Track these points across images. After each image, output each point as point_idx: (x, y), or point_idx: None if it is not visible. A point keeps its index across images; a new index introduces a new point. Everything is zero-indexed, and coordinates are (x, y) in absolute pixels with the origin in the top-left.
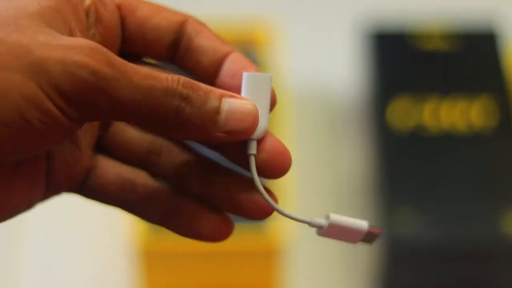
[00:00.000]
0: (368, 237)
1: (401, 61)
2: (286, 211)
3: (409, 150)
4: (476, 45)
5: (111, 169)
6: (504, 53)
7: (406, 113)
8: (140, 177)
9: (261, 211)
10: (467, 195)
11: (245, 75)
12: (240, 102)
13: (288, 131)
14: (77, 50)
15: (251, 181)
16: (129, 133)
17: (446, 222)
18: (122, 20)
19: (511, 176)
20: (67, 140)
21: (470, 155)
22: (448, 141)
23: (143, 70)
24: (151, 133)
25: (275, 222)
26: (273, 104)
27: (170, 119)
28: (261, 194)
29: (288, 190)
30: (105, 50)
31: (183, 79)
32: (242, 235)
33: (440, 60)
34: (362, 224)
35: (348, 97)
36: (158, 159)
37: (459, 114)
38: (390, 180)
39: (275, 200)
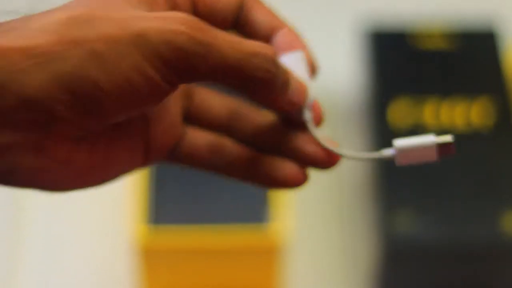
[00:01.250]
0: (444, 149)
1: (401, 60)
2: (352, 153)
3: None
4: (476, 45)
5: (199, 136)
6: (504, 53)
7: (406, 114)
8: (225, 141)
9: (330, 160)
10: (467, 195)
11: (282, 59)
12: (297, 79)
13: None
14: (172, 20)
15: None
16: (210, 102)
17: (445, 222)
18: (195, 4)
19: (511, 176)
20: (163, 107)
21: (470, 154)
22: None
23: (232, 36)
24: (236, 92)
25: (275, 220)
26: (314, 70)
27: (257, 81)
28: (325, 146)
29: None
30: (196, 18)
31: (267, 47)
32: (242, 233)
33: (440, 60)
34: (429, 139)
35: (348, 96)
36: (237, 123)
37: (459, 115)
38: (390, 179)
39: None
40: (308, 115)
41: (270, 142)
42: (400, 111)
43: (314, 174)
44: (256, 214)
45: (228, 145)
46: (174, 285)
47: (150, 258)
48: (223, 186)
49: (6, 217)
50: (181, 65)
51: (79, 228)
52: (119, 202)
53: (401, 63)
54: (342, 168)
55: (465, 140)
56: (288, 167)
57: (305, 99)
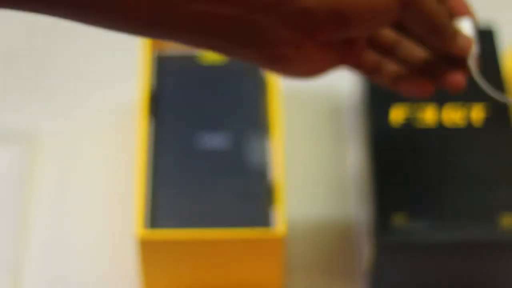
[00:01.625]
0: None
1: None
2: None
3: (405, 147)
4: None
5: (368, 54)
6: (502, 53)
7: (405, 116)
8: (384, 60)
9: (458, 90)
10: (464, 195)
11: (458, 21)
12: (465, 35)
13: (287, 131)
14: None
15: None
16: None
17: (442, 221)
18: None
19: (508, 178)
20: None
21: (467, 155)
22: (446, 138)
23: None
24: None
25: (276, 218)
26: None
27: (438, 30)
28: (480, 83)
29: (286, 189)
30: None
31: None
32: (244, 223)
33: None
34: None
35: (348, 96)
36: (398, 49)
37: (458, 116)
38: (387, 176)
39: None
40: (472, 62)
41: (421, 66)
42: (398, 113)
43: (313, 173)
44: (258, 217)
45: (388, 62)
46: (173, 276)
47: (151, 250)
48: (225, 188)
49: (10, 216)
50: (409, 1)
51: (82, 226)
52: (122, 200)
53: None
54: (342, 168)
55: (463, 139)
56: (428, 84)
57: (470, 49)
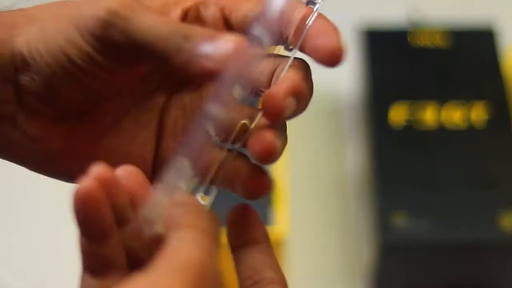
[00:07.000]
0: None
1: (398, 60)
2: None
3: (406, 147)
4: (475, 43)
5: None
6: (503, 52)
7: (405, 116)
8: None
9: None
10: (464, 195)
11: None
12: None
13: (287, 131)
14: (109, 1)
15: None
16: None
17: (443, 221)
18: (226, 20)
19: (508, 177)
20: (126, 94)
21: (468, 154)
22: (447, 139)
23: (156, 15)
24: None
25: (276, 219)
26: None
27: (173, 55)
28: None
29: (284, 191)
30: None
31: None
32: None
33: (437, 60)
34: None
35: (348, 95)
36: None
37: (457, 117)
38: (389, 176)
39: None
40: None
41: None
42: (399, 113)
43: (313, 173)
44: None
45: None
46: None
47: None
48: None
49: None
50: (103, 35)
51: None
52: None
53: (399, 63)
54: (342, 168)
55: (464, 139)
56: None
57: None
